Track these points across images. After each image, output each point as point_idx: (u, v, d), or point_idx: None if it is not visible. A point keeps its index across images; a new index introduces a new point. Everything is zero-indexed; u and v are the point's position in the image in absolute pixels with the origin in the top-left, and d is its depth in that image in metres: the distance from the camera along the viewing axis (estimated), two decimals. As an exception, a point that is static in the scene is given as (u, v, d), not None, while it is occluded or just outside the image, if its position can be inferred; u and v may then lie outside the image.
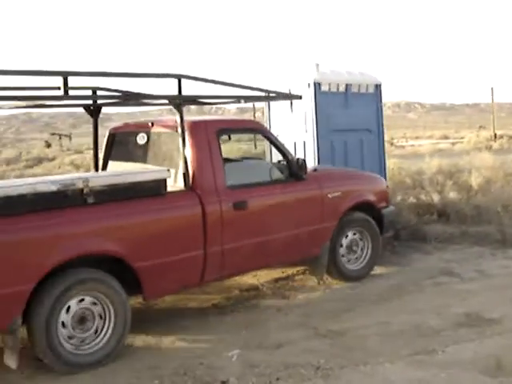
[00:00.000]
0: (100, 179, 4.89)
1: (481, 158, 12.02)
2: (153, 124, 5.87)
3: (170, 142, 5.66)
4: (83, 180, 4.67)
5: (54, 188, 4.51)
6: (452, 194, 9.76)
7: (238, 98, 6.34)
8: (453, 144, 36.74)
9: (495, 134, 40.86)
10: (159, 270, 4.98)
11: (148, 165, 5.75)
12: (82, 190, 4.63)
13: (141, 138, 5.87)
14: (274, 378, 4.23)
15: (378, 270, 7.00)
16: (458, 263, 7.21)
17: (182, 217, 5.22)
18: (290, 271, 7.01)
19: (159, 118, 6.42)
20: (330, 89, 8.48)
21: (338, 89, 8.58)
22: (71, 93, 4.84)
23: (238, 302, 6.12)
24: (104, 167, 6.22)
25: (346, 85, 8.64)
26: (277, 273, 6.96)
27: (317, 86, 8.28)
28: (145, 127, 5.91)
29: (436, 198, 9.60)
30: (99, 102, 5.94)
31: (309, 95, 8.27)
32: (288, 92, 7.38)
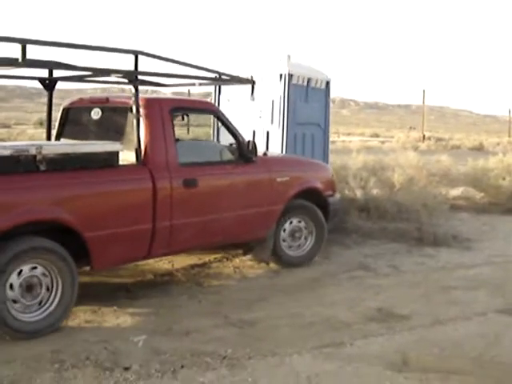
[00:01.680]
0: (53, 147, 4.96)
1: (406, 157, 12.21)
2: (108, 99, 5.90)
3: (124, 117, 5.71)
4: (36, 147, 4.65)
5: (6, 153, 4.49)
6: (375, 191, 9.87)
7: (193, 79, 6.36)
8: (382, 142, 37.46)
9: (424, 136, 41.98)
10: (108, 241, 5.02)
11: (101, 140, 5.67)
12: (34, 156, 4.62)
13: (95, 113, 5.89)
14: (178, 365, 4.12)
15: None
16: (375, 258, 7.30)
17: (132, 190, 5.28)
18: (206, 258, 6.92)
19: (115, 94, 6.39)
20: (297, 81, 8.54)
21: (302, 82, 8.65)
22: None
23: (151, 286, 5.97)
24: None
25: (308, 79, 8.72)
26: (193, 259, 6.84)
27: (289, 77, 8.33)
28: (100, 102, 5.94)
29: (359, 193, 9.68)
30: (55, 74, 5.86)
31: (279, 86, 8.34)
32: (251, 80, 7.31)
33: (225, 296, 5.76)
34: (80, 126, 6.12)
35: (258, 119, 8.54)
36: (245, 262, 6.86)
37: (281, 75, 8.35)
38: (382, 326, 4.97)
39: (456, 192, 11.75)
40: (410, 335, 4.80)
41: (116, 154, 5.19)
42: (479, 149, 33.42)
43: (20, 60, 4.51)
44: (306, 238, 6.91)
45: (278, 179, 6.46)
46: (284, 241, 6.73)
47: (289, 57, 8.36)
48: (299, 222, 6.83)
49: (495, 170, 11.57)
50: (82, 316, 5.08)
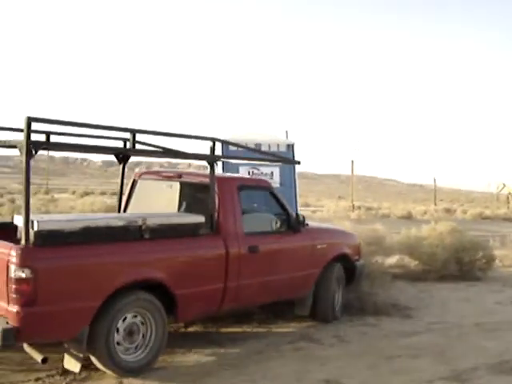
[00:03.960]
0: (154, 219, 5.73)
1: (344, 226, 12.37)
2: (181, 176, 6.90)
3: (198, 192, 6.66)
4: (142, 218, 5.56)
5: (121, 223, 5.43)
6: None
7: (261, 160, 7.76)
8: (313, 212, 37.98)
9: (353, 205, 42.86)
10: (192, 298, 5.81)
11: (173, 211, 6.63)
12: (140, 226, 5.52)
13: (168, 187, 6.80)
14: None
15: (239, 333, 6.87)
16: (318, 329, 7.26)
17: (211, 255, 6.09)
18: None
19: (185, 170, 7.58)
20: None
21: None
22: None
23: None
24: (124, 210, 7.01)
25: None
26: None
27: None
28: (172, 177, 6.94)
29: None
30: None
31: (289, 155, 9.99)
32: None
33: (173, 370, 5.62)
34: (151, 197, 7.02)
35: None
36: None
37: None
38: (331, 399, 4.89)
39: (391, 260, 11.93)
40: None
41: (201, 225, 6.07)
42: (408, 217, 34.28)
43: (131, 147, 5.81)
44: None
45: (319, 246, 7.37)
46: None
47: (286, 132, 9.63)
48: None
49: (428, 238, 11.84)
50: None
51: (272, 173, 9.95)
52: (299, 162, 7.85)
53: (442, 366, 5.92)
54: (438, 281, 10.93)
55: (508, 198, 51.03)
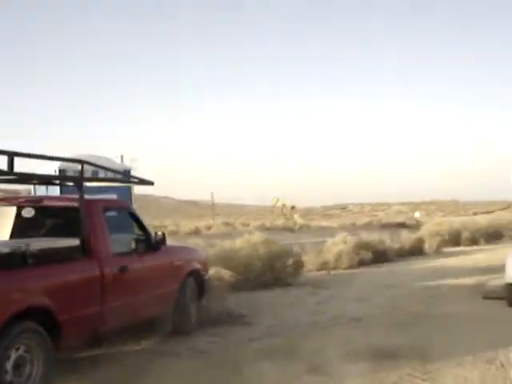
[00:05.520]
0: (36, 244, 5.65)
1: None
2: (41, 200, 6.92)
3: (64, 215, 6.65)
4: (25, 244, 5.44)
5: (6, 250, 5.26)
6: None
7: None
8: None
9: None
10: (76, 322, 5.71)
11: (34, 237, 6.27)
12: (23, 252, 5.36)
13: (27, 212, 6.51)
14: None
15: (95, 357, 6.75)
16: (171, 343, 7.35)
17: (89, 277, 6.03)
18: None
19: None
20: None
21: None
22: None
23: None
24: None
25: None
26: None
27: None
28: (32, 202, 6.84)
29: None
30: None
31: None
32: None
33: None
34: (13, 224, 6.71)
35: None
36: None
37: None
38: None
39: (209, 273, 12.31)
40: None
41: (78, 248, 6.04)
42: (196, 232, 35.25)
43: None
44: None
45: (176, 263, 7.70)
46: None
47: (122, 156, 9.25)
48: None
49: (244, 250, 12.47)
50: None
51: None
52: (153, 183, 7.90)
53: (300, 363, 6.41)
54: (254, 289, 11.54)
55: (282, 209, 54.65)
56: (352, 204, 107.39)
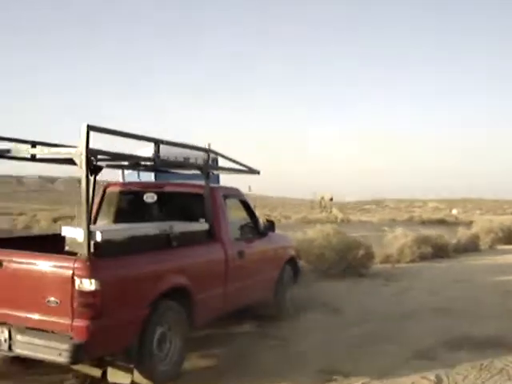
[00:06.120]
0: (178, 227, 6.03)
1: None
2: (162, 186, 7.20)
3: (188, 201, 7.02)
4: (169, 226, 5.87)
5: (155, 232, 5.67)
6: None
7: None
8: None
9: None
10: (206, 302, 6.16)
11: (155, 222, 6.52)
12: (168, 234, 5.79)
13: (149, 197, 6.81)
14: None
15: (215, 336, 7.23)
16: (276, 326, 7.82)
17: (218, 260, 6.53)
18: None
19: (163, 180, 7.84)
20: None
21: None
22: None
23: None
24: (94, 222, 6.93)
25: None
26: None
27: None
28: (154, 187, 7.14)
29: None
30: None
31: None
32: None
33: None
34: (130, 208, 7.28)
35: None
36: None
37: None
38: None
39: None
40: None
41: (208, 231, 6.52)
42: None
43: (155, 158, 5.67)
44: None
45: (279, 250, 8.31)
46: None
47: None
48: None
49: (317, 240, 12.84)
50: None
51: None
52: (259, 172, 8.19)
53: (403, 348, 6.84)
54: (326, 279, 11.88)
55: (321, 202, 54.13)
56: (389, 199, 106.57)
